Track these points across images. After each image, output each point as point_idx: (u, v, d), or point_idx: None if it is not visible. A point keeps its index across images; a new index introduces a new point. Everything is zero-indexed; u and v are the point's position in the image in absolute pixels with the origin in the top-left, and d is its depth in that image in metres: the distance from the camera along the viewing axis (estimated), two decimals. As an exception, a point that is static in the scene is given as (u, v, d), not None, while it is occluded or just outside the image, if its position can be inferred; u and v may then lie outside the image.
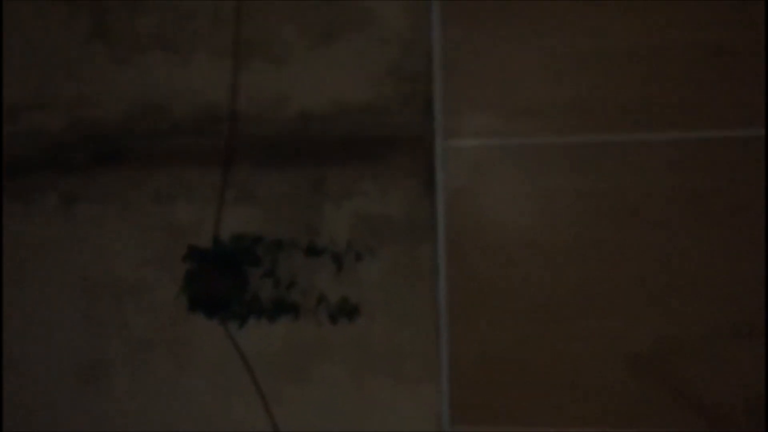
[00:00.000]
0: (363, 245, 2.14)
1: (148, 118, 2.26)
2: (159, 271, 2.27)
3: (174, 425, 2.26)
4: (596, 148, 1.99)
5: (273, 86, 2.20)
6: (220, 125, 2.22)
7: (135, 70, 2.26)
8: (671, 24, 1.95)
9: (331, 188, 2.18)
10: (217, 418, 2.24)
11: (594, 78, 2.00)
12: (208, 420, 2.25)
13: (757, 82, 1.90)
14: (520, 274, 2.06)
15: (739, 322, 1.95)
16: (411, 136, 2.12)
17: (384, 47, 2.14)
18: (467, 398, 2.09)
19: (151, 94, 2.25)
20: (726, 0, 1.91)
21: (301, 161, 2.19)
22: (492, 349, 2.06)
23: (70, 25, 2.27)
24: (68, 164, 2.30)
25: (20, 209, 2.32)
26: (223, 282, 2.17)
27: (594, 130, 1.99)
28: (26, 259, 2.33)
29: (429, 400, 2.12)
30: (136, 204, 2.28)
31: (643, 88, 1.97)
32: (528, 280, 2.05)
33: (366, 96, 2.15)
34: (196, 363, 2.26)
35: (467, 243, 2.08)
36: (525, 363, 2.04)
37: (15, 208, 2.32)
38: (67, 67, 2.28)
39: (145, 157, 2.26)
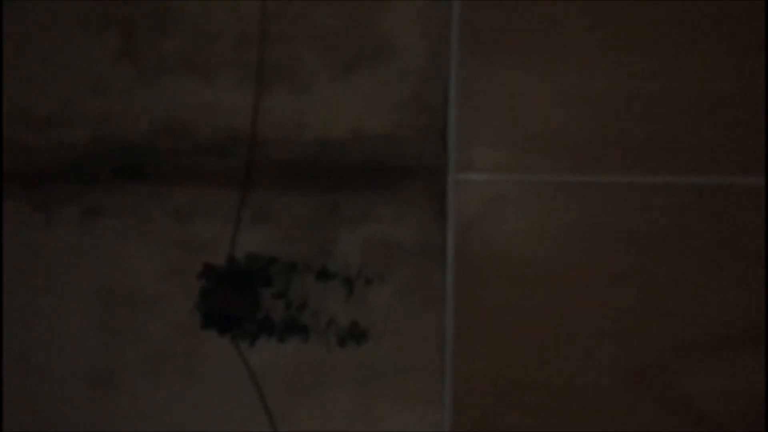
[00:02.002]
0: (374, 270, 2.20)
1: (171, 137, 2.32)
2: (175, 286, 2.33)
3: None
4: (604, 188, 2.04)
5: (293, 112, 2.26)
6: (241, 147, 2.28)
7: (160, 89, 2.32)
8: (682, 72, 2.01)
9: (345, 213, 2.24)
10: (225, 430, 2.30)
11: (606, 119, 2.05)
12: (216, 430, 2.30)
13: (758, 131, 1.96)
14: (524, 302, 2.11)
15: (737, 333, 2.01)
16: (425, 166, 2.18)
17: (403, 79, 2.20)
18: (471, 420, 2.14)
19: (174, 113, 2.32)
20: (731, 50, 1.96)
21: (317, 186, 2.25)
22: (496, 372, 2.12)
23: (98, 44, 2.33)
24: (91, 178, 2.36)
25: (43, 220, 2.39)
26: (236, 300, 2.23)
27: (603, 170, 2.04)
28: (46, 268, 2.40)
29: (433, 422, 2.17)
30: (155, 219, 2.34)
31: (652, 132, 2.03)
32: (532, 307, 2.11)
33: (383, 125, 2.22)
34: (206, 377, 2.31)
35: (475, 272, 2.14)
36: (528, 385, 2.10)
37: (38, 219, 2.39)
38: (94, 84, 2.34)
39: (167, 174, 2.33)
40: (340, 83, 2.24)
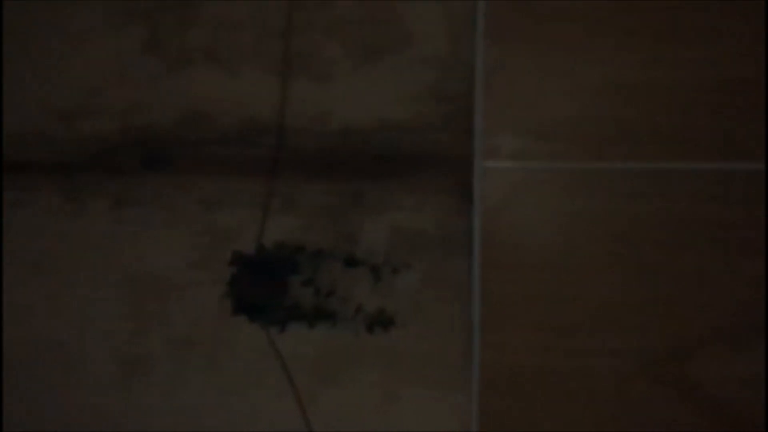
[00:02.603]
0: (400, 258, 2.23)
1: (196, 127, 2.34)
2: (203, 274, 2.37)
3: (211, 421, 2.36)
4: (631, 175, 2.05)
5: (317, 101, 2.28)
6: (266, 137, 2.30)
7: (185, 80, 2.34)
8: (707, 58, 2.01)
9: (369, 201, 2.26)
10: (253, 416, 2.34)
11: (633, 105, 2.06)
12: (244, 417, 2.34)
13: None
14: (550, 291, 2.13)
15: (747, 323, 2.03)
16: (449, 154, 2.20)
17: (426, 67, 2.21)
18: (496, 407, 2.17)
19: (200, 104, 2.34)
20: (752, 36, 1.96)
21: (341, 174, 2.27)
22: (521, 358, 2.14)
23: (124, 35, 2.35)
24: (118, 168, 2.39)
25: (71, 209, 2.42)
26: (265, 288, 2.26)
27: (630, 157, 2.05)
28: (76, 257, 2.44)
29: (459, 408, 2.20)
30: (182, 209, 2.37)
31: (680, 119, 2.03)
32: (557, 295, 2.12)
33: (407, 114, 2.23)
34: (235, 362, 2.35)
35: (500, 259, 2.16)
36: (550, 370, 2.12)
37: (67, 208, 2.42)
38: (120, 75, 2.37)
39: (193, 164, 2.35)
40: (363, 72, 2.25)
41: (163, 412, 2.38)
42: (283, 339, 2.30)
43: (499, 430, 2.13)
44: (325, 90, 2.27)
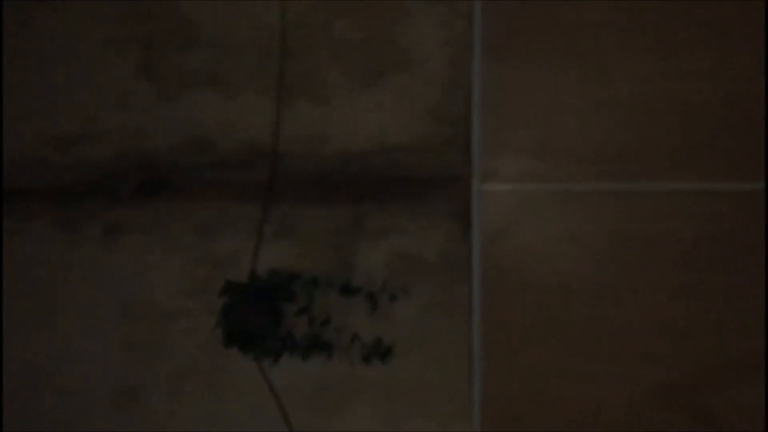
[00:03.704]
0: (398, 285, 2.16)
1: (193, 152, 2.31)
2: (197, 302, 2.31)
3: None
4: (631, 196, 1.99)
5: (315, 124, 2.24)
6: (263, 161, 2.26)
7: (182, 105, 2.31)
8: (707, 76, 1.96)
9: (368, 226, 2.20)
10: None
11: (631, 126, 2.00)
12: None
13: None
14: (553, 316, 2.05)
15: (757, 352, 1.94)
16: (449, 177, 2.14)
17: (425, 89, 2.17)
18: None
19: (196, 128, 2.30)
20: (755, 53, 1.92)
21: (340, 199, 2.22)
22: (524, 388, 2.06)
23: (120, 60, 2.34)
24: (114, 195, 2.35)
25: (66, 237, 2.38)
26: (258, 317, 2.19)
27: (630, 178, 1.99)
28: (70, 286, 2.39)
29: (460, 443, 2.11)
30: (178, 236, 2.32)
31: (679, 139, 1.98)
32: (561, 321, 2.05)
33: (406, 136, 2.18)
34: (229, 395, 2.28)
35: (502, 284, 2.08)
36: (557, 401, 2.04)
37: (61, 236, 2.38)
38: (116, 100, 2.34)
39: (189, 190, 2.31)
40: (361, 95, 2.21)
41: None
42: (278, 370, 2.22)
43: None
44: (323, 113, 2.23)
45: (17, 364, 2.38)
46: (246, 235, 2.28)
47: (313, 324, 2.18)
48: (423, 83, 2.18)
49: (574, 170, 2.02)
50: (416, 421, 2.15)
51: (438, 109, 2.16)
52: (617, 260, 1.99)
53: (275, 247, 2.25)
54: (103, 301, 2.37)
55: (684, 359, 1.97)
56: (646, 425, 1.98)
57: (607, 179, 2.00)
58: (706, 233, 1.96)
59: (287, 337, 2.18)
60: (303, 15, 2.22)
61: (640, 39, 1.99)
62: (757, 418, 1.94)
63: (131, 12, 2.30)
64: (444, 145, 2.16)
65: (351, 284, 2.17)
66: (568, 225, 2.03)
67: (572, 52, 2.03)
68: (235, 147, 2.29)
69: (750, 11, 1.93)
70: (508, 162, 2.08)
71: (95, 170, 2.35)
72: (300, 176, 2.24)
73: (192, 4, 2.27)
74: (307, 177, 2.24)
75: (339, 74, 2.22)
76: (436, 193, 2.15)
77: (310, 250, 2.23)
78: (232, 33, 2.27)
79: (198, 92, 2.30)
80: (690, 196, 1.96)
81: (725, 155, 1.96)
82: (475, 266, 2.09)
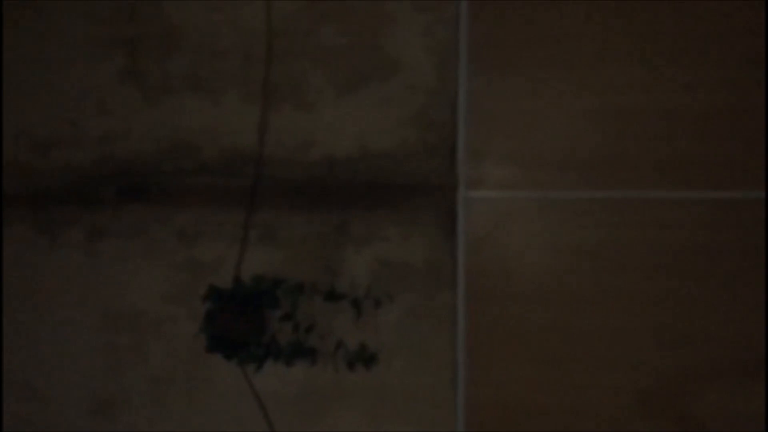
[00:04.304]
0: (382, 291, 2.16)
1: (176, 157, 2.29)
2: (180, 308, 2.29)
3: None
4: (615, 204, 2.00)
5: (300, 130, 2.23)
6: (247, 166, 2.25)
7: (165, 109, 2.30)
8: (693, 86, 1.98)
9: (353, 232, 2.20)
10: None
11: (616, 135, 2.02)
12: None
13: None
14: (536, 322, 2.07)
15: (741, 359, 1.96)
16: (434, 184, 2.15)
17: (409, 96, 2.17)
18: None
19: (180, 133, 2.29)
20: (742, 63, 1.94)
21: (324, 205, 2.21)
22: (508, 394, 2.07)
23: (102, 65, 2.31)
24: (96, 199, 2.33)
25: (46, 242, 2.36)
26: (241, 323, 2.18)
27: (613, 186, 2.00)
28: (50, 291, 2.36)
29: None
30: (160, 241, 2.30)
31: (663, 147, 1.99)
32: (544, 327, 2.06)
33: (391, 143, 2.18)
34: (212, 401, 2.27)
35: (486, 291, 2.09)
36: (540, 407, 2.05)
37: (41, 241, 2.36)
38: (98, 105, 2.32)
39: (172, 194, 2.29)
40: (346, 101, 2.21)
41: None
42: (261, 377, 2.21)
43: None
44: (308, 119, 2.22)
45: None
46: (229, 241, 2.26)
47: (297, 330, 2.17)
48: (408, 90, 2.18)
49: (558, 178, 2.04)
50: (400, 426, 2.15)
51: (423, 115, 2.17)
52: (600, 268, 2.01)
53: (259, 252, 2.24)
54: (85, 307, 2.34)
55: (666, 365, 1.99)
56: (628, 426, 1.99)
57: (591, 187, 2.01)
58: (689, 241, 1.98)
59: (271, 343, 2.17)
60: (288, 20, 2.22)
61: (627, 48, 2.01)
62: (740, 421, 1.96)
63: (115, 16, 2.28)
64: (428, 152, 2.16)
65: (335, 290, 2.17)
66: (552, 232, 2.04)
67: (557, 61, 2.04)
68: (219, 152, 2.28)
69: (745, 16, 1.95)
70: (492, 169, 2.09)
71: (77, 174, 2.33)
72: (284, 182, 2.23)
73: (176, 7, 2.26)
74: (291, 183, 2.23)
75: (323, 80, 2.22)
76: (420, 199, 2.16)
77: (294, 256, 2.22)
78: (217, 38, 2.26)
79: (181, 97, 2.28)
80: (672, 205, 1.98)
81: (708, 164, 1.99)
82: (459, 273, 2.09)
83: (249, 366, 2.20)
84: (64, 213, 2.34)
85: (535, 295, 2.05)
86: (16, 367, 2.36)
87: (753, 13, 1.93)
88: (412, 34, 2.18)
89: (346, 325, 2.17)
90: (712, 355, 1.96)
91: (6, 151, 2.35)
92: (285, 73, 2.23)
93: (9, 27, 2.32)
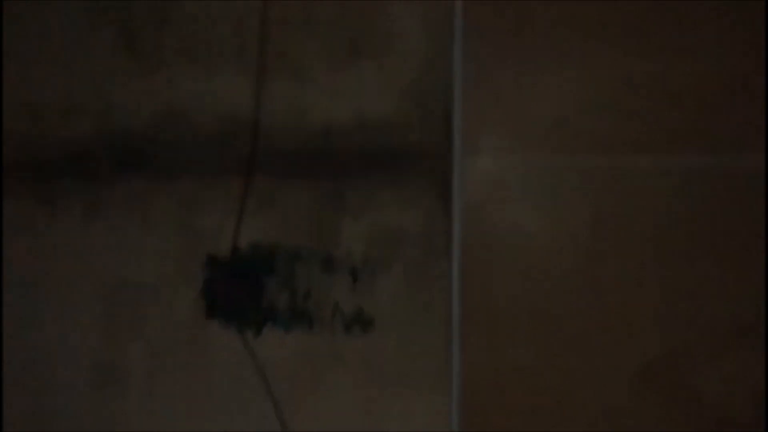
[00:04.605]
0: (379, 259, 2.18)
1: (172, 128, 2.30)
2: (178, 278, 2.32)
3: (188, 427, 2.30)
4: (612, 171, 2.02)
5: (295, 99, 2.24)
6: (243, 136, 2.26)
7: (161, 80, 2.31)
8: (680, 53, 1.99)
9: (349, 201, 2.22)
10: (230, 421, 2.28)
11: (613, 101, 2.03)
12: (221, 423, 2.28)
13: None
14: (533, 290, 2.09)
15: (742, 325, 1.99)
16: (430, 152, 2.17)
17: (405, 64, 2.19)
18: (478, 411, 2.12)
19: (175, 103, 2.30)
20: (728, 27, 1.94)
21: (320, 174, 2.23)
22: (503, 362, 2.10)
23: (98, 36, 2.32)
24: (93, 171, 2.34)
25: (45, 214, 2.37)
26: (240, 290, 2.21)
27: (611, 152, 2.02)
28: (49, 263, 2.38)
29: (439, 412, 2.15)
30: (158, 211, 2.32)
31: (661, 114, 2.01)
32: (540, 296, 2.08)
33: (387, 111, 2.20)
34: (211, 368, 2.30)
35: (482, 259, 2.12)
36: (536, 375, 2.08)
37: (39, 213, 2.37)
38: (94, 76, 2.33)
39: (169, 165, 2.31)
40: (341, 70, 2.22)
41: (139, 419, 2.32)
42: (260, 343, 2.24)
43: (481, 430, 2.08)
44: (304, 88, 2.24)
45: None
46: (226, 210, 2.29)
47: (295, 297, 2.20)
48: (403, 58, 2.19)
49: (557, 145, 2.05)
50: (394, 391, 2.18)
51: (418, 84, 2.18)
52: (598, 236, 2.03)
53: (256, 221, 2.26)
54: (83, 278, 2.36)
55: (664, 335, 2.01)
56: (626, 402, 2.02)
57: (589, 155, 2.03)
58: (698, 212, 1.99)
59: (269, 309, 2.20)
60: (283, -11, 2.23)
61: (626, 20, 2.02)
62: (739, 389, 1.98)
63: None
64: (424, 120, 2.18)
65: (332, 258, 2.19)
66: (550, 200, 2.06)
67: (557, 31, 2.05)
68: (214, 122, 2.29)
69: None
70: (488, 137, 2.11)
71: (74, 146, 2.34)
72: (280, 151, 2.25)
73: (171, -23, 2.26)
74: (287, 152, 2.25)
75: (319, 49, 2.23)
76: (416, 168, 2.18)
77: (291, 225, 2.24)
78: (212, 8, 2.26)
79: (177, 67, 2.29)
80: (678, 173, 2.00)
81: (719, 130, 1.99)
82: (456, 241, 2.12)
83: (247, 331, 2.23)
84: (62, 184, 2.35)
85: (532, 263, 2.07)
86: (14, 336, 2.38)
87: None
88: (409, 5, 2.19)
89: (343, 293, 2.20)
90: (709, 324, 1.98)
91: (6, 121, 2.36)
92: (280, 43, 2.24)
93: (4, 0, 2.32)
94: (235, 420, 2.27)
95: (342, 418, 2.21)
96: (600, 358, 2.04)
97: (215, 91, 2.27)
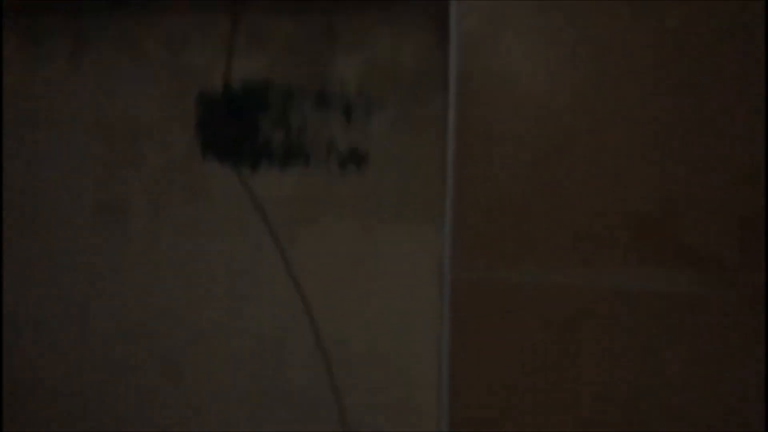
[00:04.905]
0: (373, 95, 2.15)
1: (156, -40, 2.22)
2: (172, 115, 2.30)
3: (188, 264, 2.35)
4: (616, 4, 1.95)
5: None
6: (230, -32, 2.18)
7: None
8: None
9: (342, 35, 2.17)
10: (231, 258, 2.33)
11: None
12: (221, 260, 2.34)
13: None
14: (529, 129, 2.07)
15: (739, 177, 1.98)
16: (423, -17, 2.09)
17: None
18: (469, 244, 2.15)
19: (158, -66, 2.20)
20: None
21: (312, 7, 2.16)
22: (496, 193, 2.10)
23: None
24: (79, 8, 2.28)
25: (30, 53, 2.33)
26: (233, 127, 2.20)
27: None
28: (38, 103, 2.36)
29: (432, 245, 2.18)
30: (147, 48, 2.28)
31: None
32: (538, 132, 2.06)
33: (378, -60, 2.11)
34: (210, 205, 2.32)
35: (477, 96, 2.08)
36: (528, 209, 2.09)
37: (25, 54, 2.32)
38: None
39: (157, 1, 2.24)
40: None
41: (139, 257, 2.37)
42: (257, 182, 2.26)
43: (472, 269, 2.13)
44: None
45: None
46: (216, 47, 2.24)
47: (289, 133, 2.20)
48: None
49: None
50: (390, 225, 2.22)
51: None
52: (600, 73, 1.98)
53: (247, 58, 2.22)
54: (75, 116, 2.35)
55: (657, 188, 1.99)
56: (619, 251, 2.02)
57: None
58: (697, 37, 1.93)
59: (264, 145, 2.20)
60: None
61: None
62: (729, 241, 1.99)
63: None
64: (418, -52, 2.09)
65: (325, 94, 2.17)
66: (548, 36, 2.00)
67: None
68: (200, -47, 2.20)
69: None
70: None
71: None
72: (269, -17, 2.17)
73: None
74: (276, -16, 2.17)
75: None
76: (411, 1, 2.11)
77: (282, 61, 2.20)
78: None
79: None
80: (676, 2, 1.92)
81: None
82: (451, 77, 2.08)
83: (243, 167, 2.24)
84: (48, 22, 2.29)
85: (529, 100, 2.04)
86: (16, 177, 2.40)
87: None
88: None
89: (337, 130, 2.19)
90: (709, 177, 1.96)
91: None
92: None
93: None
94: (236, 255, 2.32)
95: (338, 249, 2.25)
96: (595, 198, 2.04)
97: None
